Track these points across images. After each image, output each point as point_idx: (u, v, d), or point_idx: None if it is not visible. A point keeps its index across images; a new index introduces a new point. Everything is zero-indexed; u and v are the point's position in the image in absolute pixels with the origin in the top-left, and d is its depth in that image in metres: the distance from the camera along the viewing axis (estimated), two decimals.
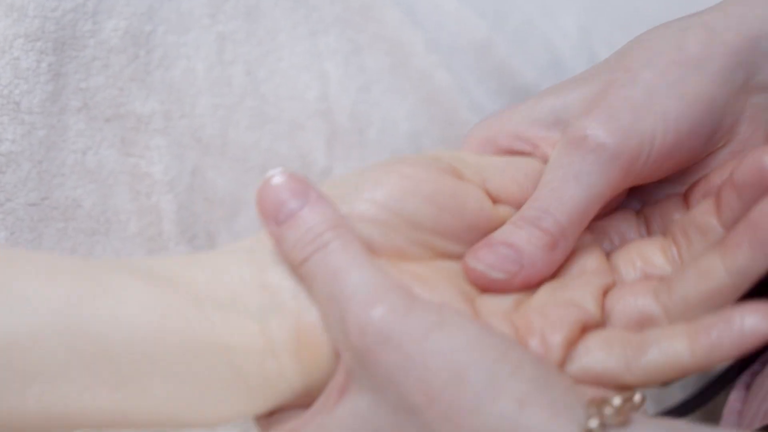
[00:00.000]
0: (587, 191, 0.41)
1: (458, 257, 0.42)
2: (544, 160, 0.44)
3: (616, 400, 0.35)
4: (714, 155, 0.45)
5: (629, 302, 0.41)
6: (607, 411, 0.34)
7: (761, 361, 0.46)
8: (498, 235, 0.41)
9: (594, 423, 0.34)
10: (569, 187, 0.41)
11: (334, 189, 0.41)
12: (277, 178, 0.39)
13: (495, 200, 0.43)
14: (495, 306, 0.41)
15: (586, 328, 0.40)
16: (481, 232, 0.42)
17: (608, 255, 0.44)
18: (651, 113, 0.42)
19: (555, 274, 0.42)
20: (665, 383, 0.39)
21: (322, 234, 0.38)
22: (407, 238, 0.40)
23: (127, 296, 0.37)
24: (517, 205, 0.43)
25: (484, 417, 0.34)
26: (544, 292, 0.41)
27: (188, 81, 0.51)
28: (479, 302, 0.41)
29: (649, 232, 0.45)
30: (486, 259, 0.41)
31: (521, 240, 0.41)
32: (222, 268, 0.39)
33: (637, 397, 0.35)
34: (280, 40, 0.54)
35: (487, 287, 0.41)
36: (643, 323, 0.40)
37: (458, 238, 0.42)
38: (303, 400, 0.39)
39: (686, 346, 0.38)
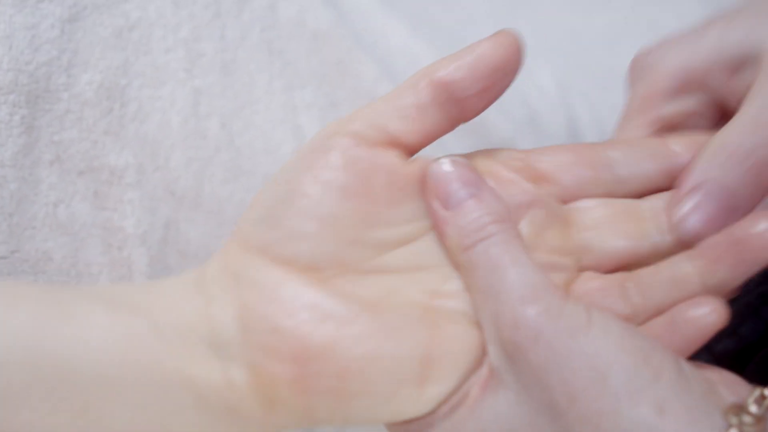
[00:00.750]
0: None
1: (400, 242, 0.40)
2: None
3: (753, 408, 0.35)
4: None
5: (596, 299, 0.41)
6: (746, 419, 0.35)
7: None
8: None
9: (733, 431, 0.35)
10: None
11: (258, 212, 0.39)
12: (449, 165, 0.40)
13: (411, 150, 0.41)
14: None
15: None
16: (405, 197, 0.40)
17: None
18: None
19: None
20: None
21: (488, 225, 0.39)
22: (339, 243, 0.39)
23: (90, 322, 0.37)
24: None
25: (622, 421, 0.35)
26: None
27: (163, 134, 0.51)
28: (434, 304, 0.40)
29: None
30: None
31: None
32: (179, 295, 0.39)
33: None
34: (255, 94, 0.54)
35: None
36: None
37: (385, 218, 0.40)
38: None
39: None
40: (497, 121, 0.62)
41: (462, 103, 0.40)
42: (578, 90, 0.67)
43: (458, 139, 0.60)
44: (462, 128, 0.61)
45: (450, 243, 0.40)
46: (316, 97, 0.56)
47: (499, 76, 0.40)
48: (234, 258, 0.39)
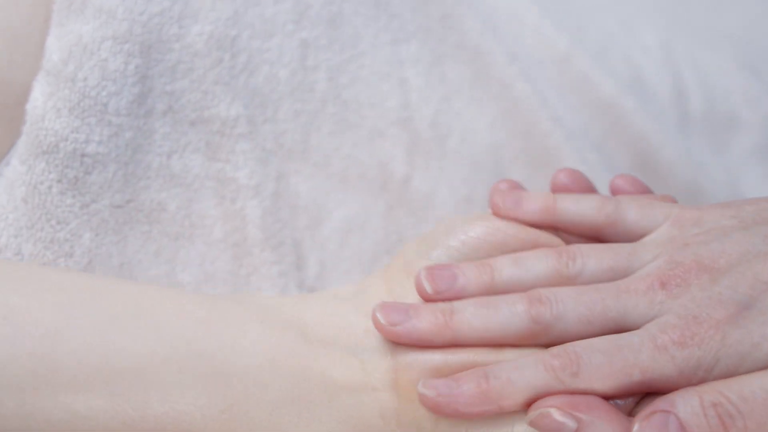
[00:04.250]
0: None
1: None
2: None
3: None
4: None
5: None
6: None
7: None
8: None
9: None
10: None
11: (423, 244, 0.45)
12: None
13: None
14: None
15: None
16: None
17: None
18: None
19: None
20: None
21: None
22: None
23: (246, 330, 0.42)
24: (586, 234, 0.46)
25: None
26: None
27: (271, 86, 0.51)
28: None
29: None
30: None
31: None
32: (329, 310, 0.44)
33: None
34: (361, 47, 0.54)
35: None
36: None
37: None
38: None
39: None
40: (601, 79, 0.60)
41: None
42: (683, 50, 0.65)
43: (561, 95, 0.59)
44: (566, 86, 0.61)
45: None
46: (422, 52, 0.55)
47: None
48: (395, 280, 0.45)
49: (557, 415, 0.38)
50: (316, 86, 0.52)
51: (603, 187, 0.57)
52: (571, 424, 0.38)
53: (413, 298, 0.43)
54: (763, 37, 0.70)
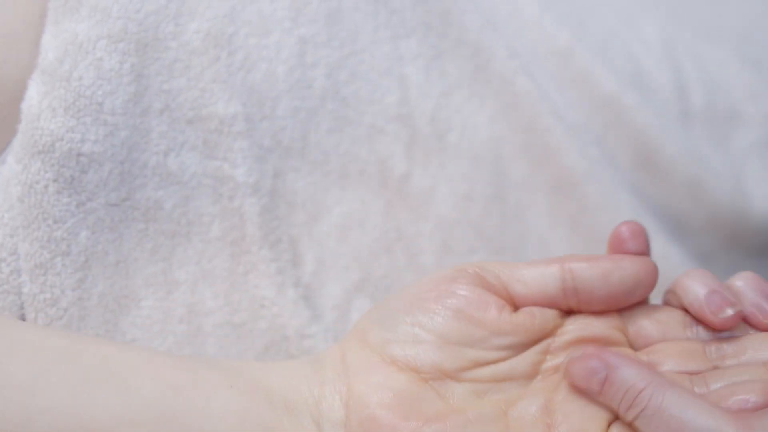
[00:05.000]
0: None
1: (491, 362, 0.44)
2: None
3: None
4: None
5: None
6: None
7: None
8: None
9: None
10: None
11: (379, 314, 0.45)
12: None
13: (519, 305, 0.45)
14: (525, 412, 0.43)
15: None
16: (506, 336, 0.44)
17: None
18: None
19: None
20: None
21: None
22: (443, 353, 0.44)
23: (215, 394, 0.42)
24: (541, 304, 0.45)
25: None
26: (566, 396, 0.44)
27: (269, 83, 0.51)
28: (510, 414, 0.43)
29: None
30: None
31: None
32: (292, 375, 0.44)
33: None
34: (361, 43, 0.54)
35: None
36: None
37: (486, 345, 0.44)
38: None
39: None
40: (602, 74, 0.60)
41: (583, 296, 0.45)
42: (685, 45, 0.65)
43: (562, 89, 0.59)
44: (566, 80, 0.60)
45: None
46: (421, 48, 0.55)
47: (628, 293, 0.45)
48: (350, 349, 0.45)
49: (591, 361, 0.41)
50: (315, 83, 0.52)
51: (604, 183, 0.57)
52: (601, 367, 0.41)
53: (364, 367, 0.44)
54: (765, 31, 0.69)
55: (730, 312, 0.44)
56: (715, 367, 0.43)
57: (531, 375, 0.44)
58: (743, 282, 0.45)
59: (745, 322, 0.45)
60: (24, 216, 0.46)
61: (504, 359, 0.44)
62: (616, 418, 0.42)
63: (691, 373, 0.43)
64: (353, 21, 0.53)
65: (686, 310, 0.45)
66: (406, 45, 0.55)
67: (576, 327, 0.45)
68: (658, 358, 0.44)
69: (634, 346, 0.45)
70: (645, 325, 0.45)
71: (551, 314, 0.45)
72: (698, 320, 0.45)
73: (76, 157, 0.46)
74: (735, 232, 0.63)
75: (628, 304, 0.45)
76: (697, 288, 0.44)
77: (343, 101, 0.53)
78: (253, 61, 0.51)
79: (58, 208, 0.46)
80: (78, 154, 0.46)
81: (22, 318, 0.47)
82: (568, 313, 0.45)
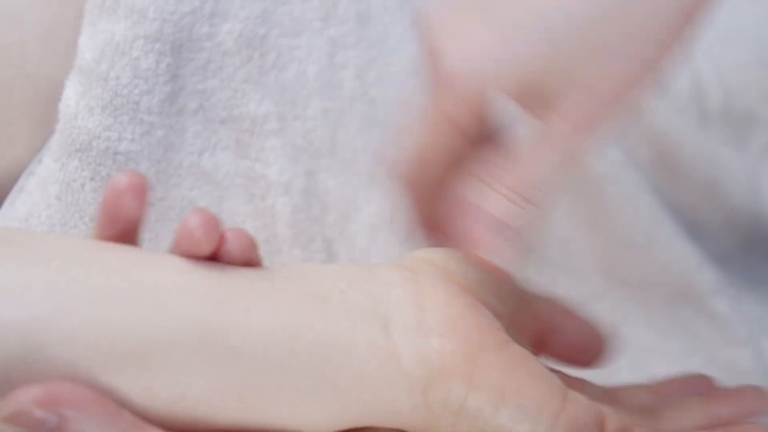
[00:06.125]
0: None
1: None
2: None
3: None
4: None
5: None
6: None
7: None
8: None
9: None
10: None
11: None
12: None
13: None
14: None
15: None
16: None
17: None
18: None
19: None
20: None
21: None
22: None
23: (259, 308, 0.37)
24: None
25: None
26: None
27: (300, 83, 0.52)
28: None
29: None
30: None
31: None
32: (359, 276, 0.40)
33: None
34: (389, 44, 0.54)
35: None
36: None
37: None
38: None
39: None
40: None
41: None
42: (701, 46, 0.66)
43: None
44: None
45: None
46: None
47: None
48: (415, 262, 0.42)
49: (37, 412, 0.33)
50: (344, 84, 0.53)
51: (624, 185, 0.58)
52: (52, 419, 0.33)
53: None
54: None
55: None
56: None
57: None
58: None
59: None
60: (61, 214, 0.47)
61: None
62: None
63: None
64: (382, 22, 0.54)
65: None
66: None
67: None
68: None
69: None
70: None
71: None
72: None
73: (113, 156, 0.47)
74: (753, 232, 0.64)
75: None
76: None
77: (371, 102, 0.53)
78: (284, 62, 0.51)
79: (95, 206, 0.47)
80: (115, 152, 0.47)
81: None
82: None
